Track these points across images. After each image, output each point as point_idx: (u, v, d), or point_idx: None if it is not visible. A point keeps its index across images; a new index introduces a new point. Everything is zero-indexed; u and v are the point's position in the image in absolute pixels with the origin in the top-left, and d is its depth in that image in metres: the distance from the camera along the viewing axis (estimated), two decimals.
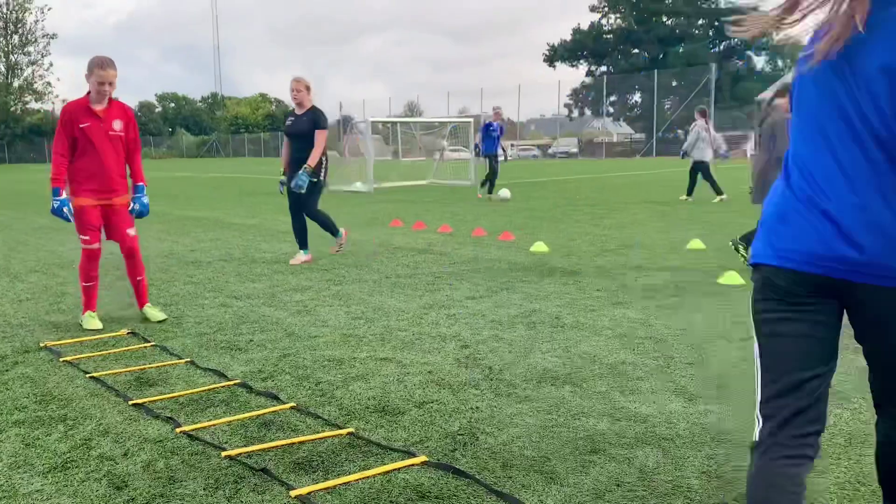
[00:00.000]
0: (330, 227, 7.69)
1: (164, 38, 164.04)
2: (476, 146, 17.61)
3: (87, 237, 4.86)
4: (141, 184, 5.05)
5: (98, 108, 4.74)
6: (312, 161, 7.06)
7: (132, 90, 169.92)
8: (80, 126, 4.68)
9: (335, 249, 7.88)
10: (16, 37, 66.42)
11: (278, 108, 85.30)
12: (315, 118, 7.20)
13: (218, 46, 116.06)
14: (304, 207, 7.40)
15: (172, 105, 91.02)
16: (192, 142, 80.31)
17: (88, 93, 4.74)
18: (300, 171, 7.02)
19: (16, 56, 66.45)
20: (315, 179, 7.20)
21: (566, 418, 3.18)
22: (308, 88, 7.32)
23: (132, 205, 4.99)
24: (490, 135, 15.49)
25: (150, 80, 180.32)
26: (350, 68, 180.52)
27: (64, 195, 4.71)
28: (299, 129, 7.21)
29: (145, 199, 5.05)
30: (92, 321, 4.95)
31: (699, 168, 13.84)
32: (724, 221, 10.35)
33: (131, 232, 4.99)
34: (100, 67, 4.69)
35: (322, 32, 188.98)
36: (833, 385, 3.47)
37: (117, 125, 4.81)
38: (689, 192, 13.94)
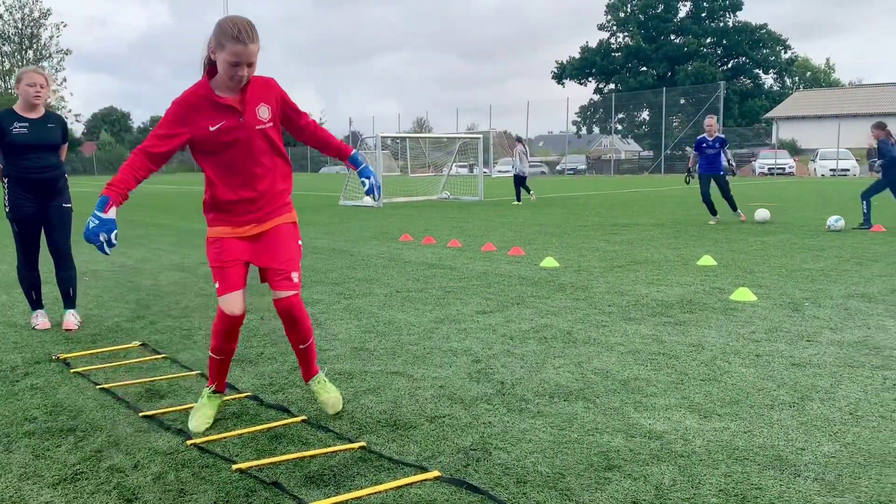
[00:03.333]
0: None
1: (178, 55, 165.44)
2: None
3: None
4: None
5: None
6: None
7: (145, 106, 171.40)
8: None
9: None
10: (31, 52, 67.23)
11: None
12: (64, 126, 5.31)
13: None
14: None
15: None
16: None
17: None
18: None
19: None
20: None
21: (580, 434, 3.14)
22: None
23: None
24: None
25: (164, 97, 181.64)
26: (361, 86, 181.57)
27: None
28: (47, 139, 5.11)
29: None
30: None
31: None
32: (734, 238, 10.30)
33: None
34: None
35: (336, 52, 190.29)
36: (850, 403, 3.42)
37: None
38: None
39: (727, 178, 12.72)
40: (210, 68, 3.16)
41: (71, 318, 5.29)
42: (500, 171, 45.90)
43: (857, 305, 5.62)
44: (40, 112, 5.14)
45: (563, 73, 64.17)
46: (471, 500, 2.56)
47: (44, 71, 5.22)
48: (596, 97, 63.24)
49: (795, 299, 5.90)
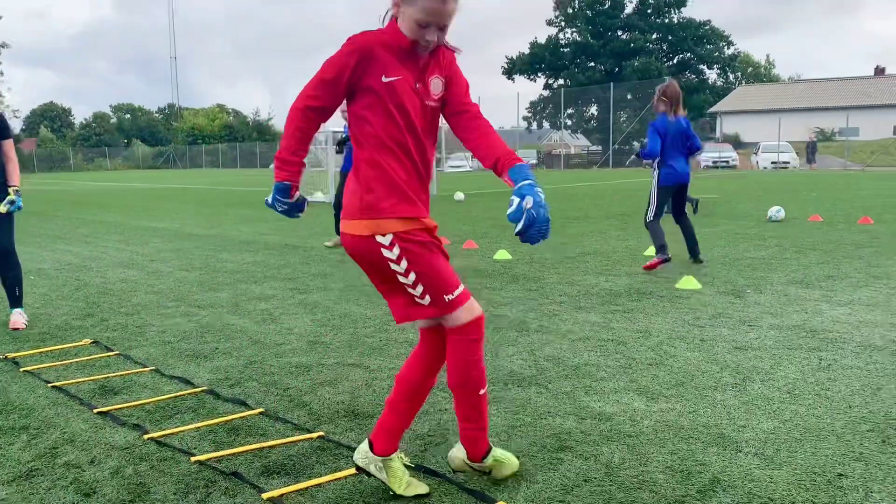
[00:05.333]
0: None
1: (121, 49, 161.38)
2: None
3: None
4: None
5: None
6: (17, 178, 5.09)
7: (87, 101, 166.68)
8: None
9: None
10: None
11: (236, 118, 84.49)
12: (3, 121, 5.10)
13: (175, 57, 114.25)
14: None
15: (128, 116, 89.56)
16: (148, 153, 78.96)
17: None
18: (12, 196, 4.96)
19: None
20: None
21: (533, 418, 3.24)
22: None
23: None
24: None
25: (106, 92, 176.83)
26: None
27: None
28: None
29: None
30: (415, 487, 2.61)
31: None
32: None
33: None
34: None
35: (283, 46, 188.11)
36: (788, 382, 3.59)
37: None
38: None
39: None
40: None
41: (18, 317, 5.18)
42: (452, 167, 46.01)
43: (796, 291, 5.86)
44: None
45: (514, 68, 64.57)
46: (429, 483, 2.63)
47: None
48: (546, 92, 63.84)
49: (738, 286, 6.12)
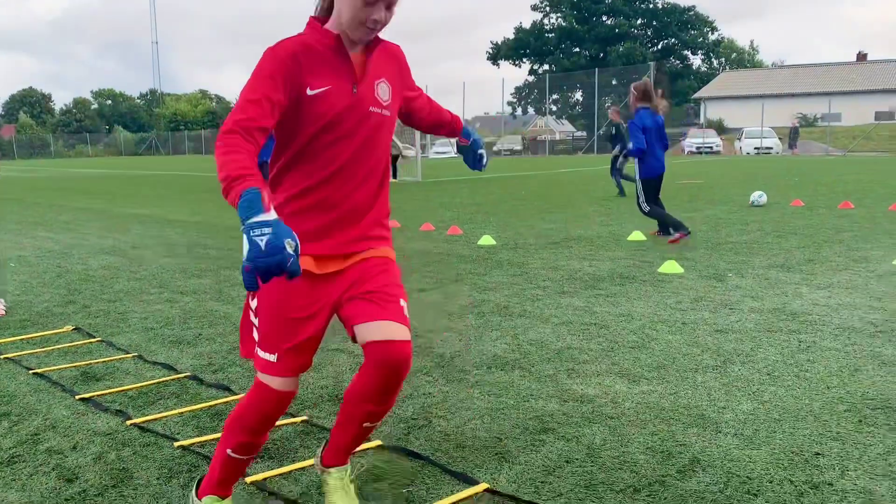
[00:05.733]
0: None
1: (102, 34, 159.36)
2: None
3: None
4: None
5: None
6: None
7: (68, 87, 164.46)
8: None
9: None
10: None
11: (219, 104, 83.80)
12: None
13: (157, 42, 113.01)
14: None
15: (109, 102, 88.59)
16: (129, 139, 78.16)
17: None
18: None
19: None
20: None
21: (516, 401, 3.26)
22: None
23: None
24: None
25: (87, 77, 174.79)
26: None
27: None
28: None
29: None
30: None
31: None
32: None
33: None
34: None
35: (268, 31, 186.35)
36: (768, 364, 3.64)
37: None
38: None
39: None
40: (315, 19, 2.10)
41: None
42: (437, 153, 45.94)
43: (777, 275, 5.92)
44: None
45: (498, 53, 64.43)
46: (412, 465, 2.65)
47: None
48: (531, 78, 63.77)
49: (720, 270, 6.17)
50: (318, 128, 2.03)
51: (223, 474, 2.25)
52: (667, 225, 7.94)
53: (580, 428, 2.95)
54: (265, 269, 1.62)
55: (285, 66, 1.97)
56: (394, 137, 10.84)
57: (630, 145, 7.85)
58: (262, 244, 1.62)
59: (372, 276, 2.14)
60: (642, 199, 7.98)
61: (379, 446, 2.81)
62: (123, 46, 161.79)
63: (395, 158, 20.87)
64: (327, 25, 2.06)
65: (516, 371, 3.68)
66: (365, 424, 2.22)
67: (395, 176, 20.73)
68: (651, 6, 61.55)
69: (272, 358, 2.10)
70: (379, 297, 2.11)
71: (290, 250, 1.64)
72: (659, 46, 62.34)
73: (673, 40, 61.87)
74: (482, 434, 2.91)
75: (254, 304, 2.13)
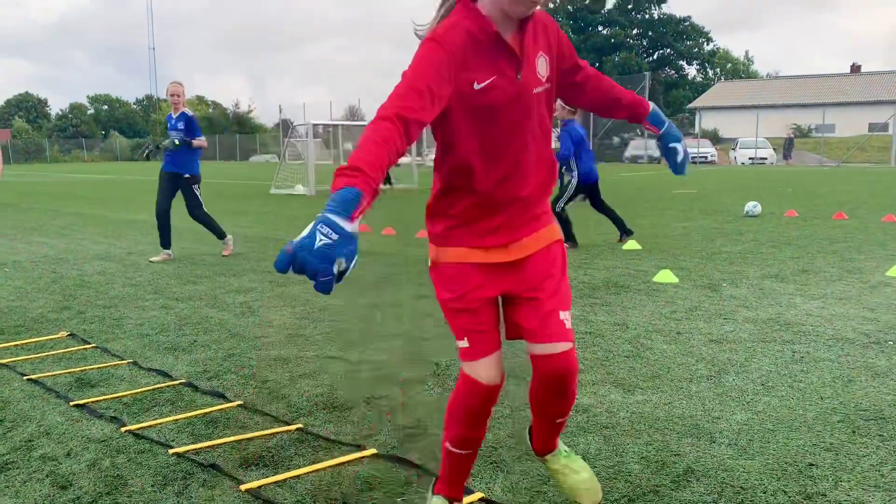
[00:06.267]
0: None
1: (99, 39, 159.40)
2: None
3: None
4: None
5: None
6: None
7: (64, 92, 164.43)
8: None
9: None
10: None
11: (215, 110, 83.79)
12: None
13: (154, 48, 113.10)
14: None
15: (105, 107, 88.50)
16: (126, 144, 78.07)
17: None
18: None
19: None
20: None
21: (512, 410, 3.27)
22: None
23: None
24: None
25: (83, 83, 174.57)
26: (291, 73, 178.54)
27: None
28: None
29: None
30: None
31: None
32: (658, 223, 10.68)
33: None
34: None
35: (265, 39, 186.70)
36: (762, 374, 3.66)
37: None
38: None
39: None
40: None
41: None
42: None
43: (771, 285, 5.95)
44: None
45: None
46: (407, 474, 2.65)
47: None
48: None
49: (714, 280, 6.20)
50: (488, 122, 1.94)
51: (447, 470, 2.29)
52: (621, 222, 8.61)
53: (575, 437, 2.95)
54: (301, 265, 1.50)
55: (453, 58, 1.84)
56: None
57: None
58: (318, 244, 1.51)
59: (537, 273, 2.08)
60: (563, 201, 8.26)
61: (374, 455, 2.81)
62: (120, 52, 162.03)
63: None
64: (478, 4, 1.91)
65: (511, 380, 3.67)
66: (557, 420, 2.30)
67: (388, 182, 20.79)
68: (647, 16, 61.90)
69: (465, 344, 2.11)
70: (540, 304, 2.07)
71: (334, 268, 1.51)
72: (655, 56, 62.66)
73: (669, 50, 62.22)
74: None
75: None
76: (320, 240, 1.53)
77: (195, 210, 7.91)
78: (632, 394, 3.46)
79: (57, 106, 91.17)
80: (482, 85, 1.89)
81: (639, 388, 3.54)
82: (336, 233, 1.54)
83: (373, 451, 2.84)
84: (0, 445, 2.96)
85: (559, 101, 8.18)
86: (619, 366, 3.89)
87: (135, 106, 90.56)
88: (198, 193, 7.87)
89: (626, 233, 8.64)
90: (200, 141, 7.80)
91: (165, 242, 7.81)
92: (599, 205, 8.69)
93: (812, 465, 2.68)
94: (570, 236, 8.08)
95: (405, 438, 2.98)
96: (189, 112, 7.73)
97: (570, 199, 8.36)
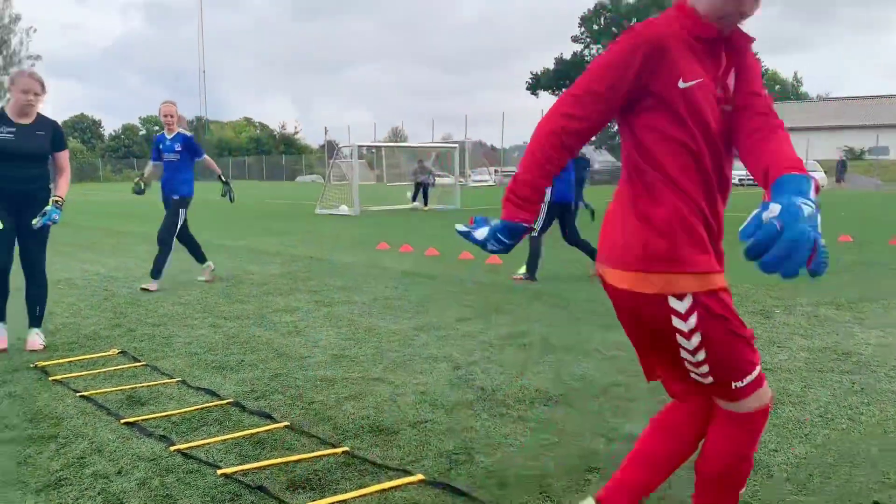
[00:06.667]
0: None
1: (151, 62, 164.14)
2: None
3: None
4: None
5: None
6: (65, 191, 5.02)
7: (117, 113, 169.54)
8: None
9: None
10: (0, 58, 66.27)
11: (263, 131, 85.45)
12: (61, 133, 5.10)
13: (204, 70, 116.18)
14: None
15: (157, 128, 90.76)
16: None
17: None
18: (49, 207, 4.78)
19: None
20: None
21: (561, 438, 3.20)
22: None
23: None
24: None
25: (136, 104, 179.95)
26: (336, 96, 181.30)
27: None
28: (31, 148, 4.84)
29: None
30: None
31: None
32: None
33: None
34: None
35: (311, 61, 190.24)
36: (820, 406, 3.52)
37: None
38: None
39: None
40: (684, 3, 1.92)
41: (36, 338, 4.89)
42: (476, 181, 46.07)
43: (826, 312, 5.76)
44: (32, 117, 4.84)
45: (538, 83, 64.67)
46: (454, 502, 2.61)
47: (39, 76, 4.90)
48: None
49: (766, 307, 6.03)
50: (693, 126, 1.86)
51: None
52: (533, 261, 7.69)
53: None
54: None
55: (650, 51, 1.81)
56: (425, 163, 10.92)
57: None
58: (492, 250, 1.98)
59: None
60: (539, 224, 7.71)
61: (420, 481, 2.78)
62: (172, 74, 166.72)
63: (424, 186, 20.89)
64: (693, 8, 1.90)
65: (560, 407, 3.62)
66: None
67: (426, 203, 20.78)
68: None
69: (756, 371, 2.00)
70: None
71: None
72: None
73: None
74: (526, 472, 2.86)
75: (698, 356, 1.94)
76: (494, 246, 1.93)
77: (167, 231, 7.42)
78: None
79: (110, 126, 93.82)
80: (688, 84, 1.84)
81: None
82: (504, 243, 1.93)
83: (420, 476, 2.80)
84: (54, 461, 3.01)
85: None
86: None
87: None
88: (181, 217, 7.50)
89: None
90: (211, 163, 7.89)
91: (200, 257, 7.75)
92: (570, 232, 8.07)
93: (877, 503, 2.56)
94: (531, 268, 7.62)
95: (453, 465, 2.94)
96: (186, 132, 7.49)
97: (545, 224, 7.81)
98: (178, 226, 7.48)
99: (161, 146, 7.52)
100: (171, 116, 7.43)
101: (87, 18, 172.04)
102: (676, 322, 1.89)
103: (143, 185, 7.58)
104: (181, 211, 7.48)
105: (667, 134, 1.88)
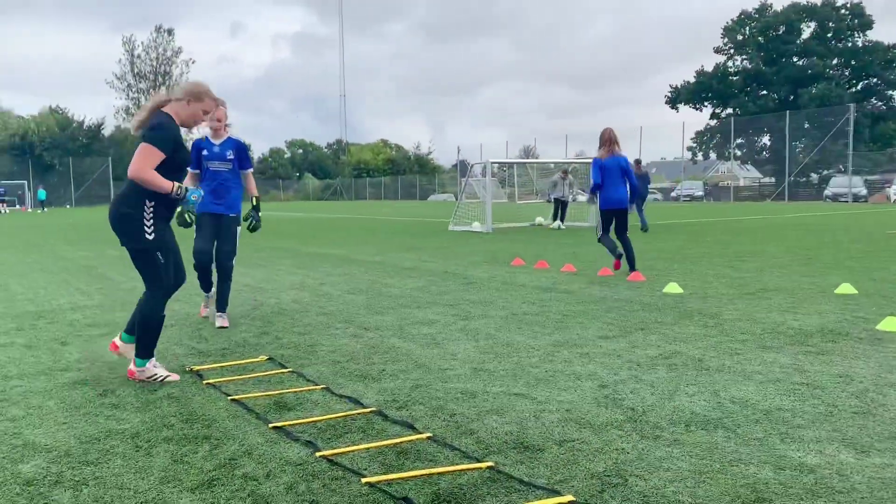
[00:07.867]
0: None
1: (296, 89, 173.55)
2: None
3: None
4: None
5: None
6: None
7: (265, 137, 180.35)
8: None
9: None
10: (163, 88, 72.25)
11: (398, 152, 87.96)
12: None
13: (344, 95, 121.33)
14: None
15: (300, 151, 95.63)
16: (317, 185, 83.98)
17: None
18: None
19: None
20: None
21: (722, 464, 2.93)
22: None
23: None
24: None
25: (282, 129, 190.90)
26: (468, 116, 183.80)
27: None
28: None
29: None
30: None
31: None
32: (873, 266, 9.59)
33: None
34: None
35: (444, 83, 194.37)
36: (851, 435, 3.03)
37: None
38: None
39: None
40: None
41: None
42: None
43: None
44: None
45: (678, 97, 62.54)
46: None
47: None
48: (713, 122, 61.16)
49: None
50: None
51: None
52: (629, 258, 8.96)
53: (803, 501, 2.58)
54: None
55: None
56: (560, 181, 10.99)
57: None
58: None
59: None
60: (599, 229, 9.36)
61: (571, 502, 2.61)
62: (314, 100, 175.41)
63: (563, 204, 20.60)
64: None
65: (720, 431, 3.33)
66: None
67: (562, 220, 20.47)
68: (850, 45, 57.25)
69: None
70: None
71: None
72: (859, 87, 57.67)
73: (875, 80, 57.01)
74: (685, 499, 2.62)
75: None
76: None
77: (230, 258, 6.10)
78: (867, 455, 2.99)
79: (258, 150, 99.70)
80: None
81: (875, 449, 3.06)
82: None
83: (570, 497, 2.64)
84: (207, 462, 3.08)
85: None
86: (847, 423, 3.40)
87: (325, 150, 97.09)
88: (238, 238, 6.21)
89: (632, 267, 8.90)
90: (252, 181, 6.30)
91: (207, 286, 6.45)
92: (620, 232, 9.14)
93: None
94: (613, 251, 9.05)
95: (605, 487, 2.75)
96: (238, 137, 6.18)
97: (602, 226, 9.22)
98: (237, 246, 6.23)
99: (206, 152, 6.05)
100: (221, 121, 6.03)
101: (240, 51, 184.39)
102: None
103: (192, 216, 4.65)
104: (238, 230, 6.22)
105: None
